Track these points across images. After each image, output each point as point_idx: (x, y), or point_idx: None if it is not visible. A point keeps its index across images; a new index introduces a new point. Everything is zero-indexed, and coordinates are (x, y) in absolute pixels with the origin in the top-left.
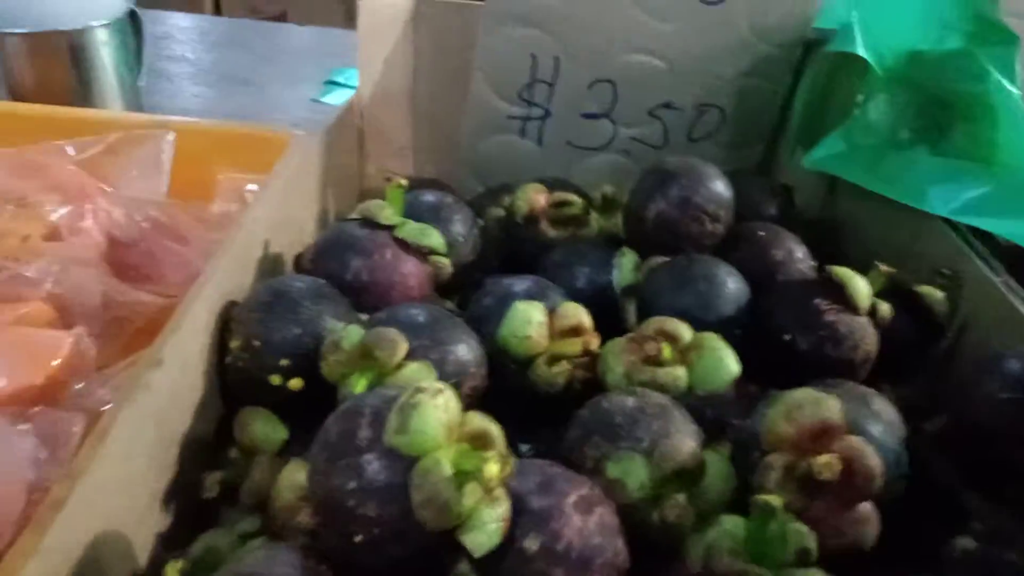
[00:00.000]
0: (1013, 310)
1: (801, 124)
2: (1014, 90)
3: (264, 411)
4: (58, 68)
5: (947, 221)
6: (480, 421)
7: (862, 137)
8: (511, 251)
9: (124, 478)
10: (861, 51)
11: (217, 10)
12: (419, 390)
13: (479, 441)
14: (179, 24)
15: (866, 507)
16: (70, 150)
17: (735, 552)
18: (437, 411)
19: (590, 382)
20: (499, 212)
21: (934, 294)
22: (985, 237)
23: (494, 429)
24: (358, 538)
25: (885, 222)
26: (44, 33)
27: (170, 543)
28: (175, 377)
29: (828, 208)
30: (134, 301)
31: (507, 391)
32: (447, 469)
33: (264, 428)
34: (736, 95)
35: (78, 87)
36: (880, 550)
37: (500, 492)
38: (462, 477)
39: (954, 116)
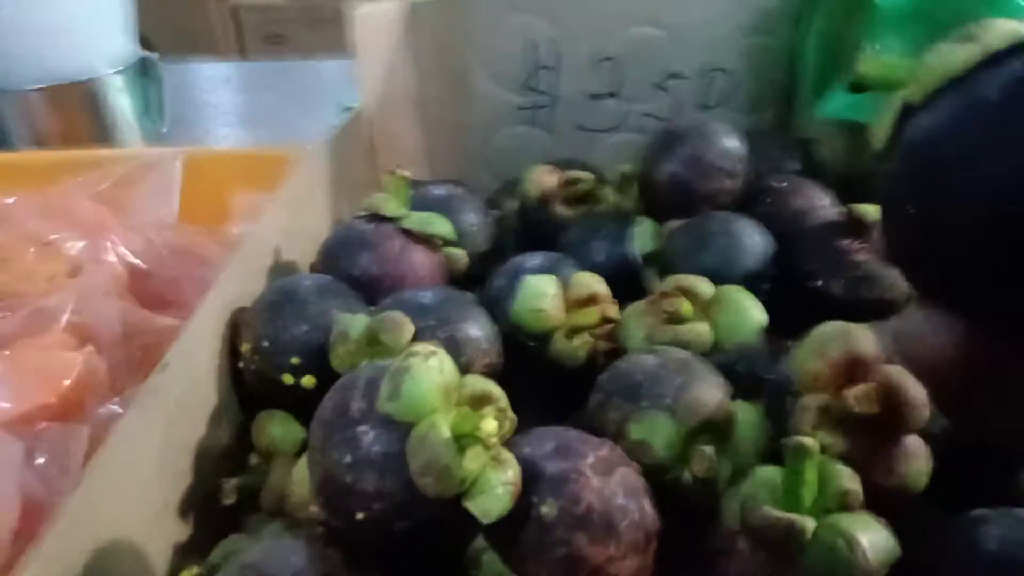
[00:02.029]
0: None
1: (813, 77)
2: None
3: (280, 413)
4: (78, 118)
5: None
6: (481, 383)
7: None
8: (528, 237)
9: (133, 485)
10: None
11: (242, 51)
12: (411, 354)
13: (481, 404)
14: (203, 72)
15: (913, 441)
16: (85, 186)
17: (773, 502)
18: (431, 372)
19: (613, 353)
20: (515, 204)
21: None
22: None
23: (496, 390)
24: (360, 515)
25: None
26: (60, 87)
27: (190, 553)
28: (183, 383)
29: (855, 163)
30: (159, 327)
31: (528, 371)
32: (444, 431)
33: (281, 429)
34: (742, 56)
35: (99, 136)
36: (935, 490)
37: (507, 455)
38: (463, 440)
39: None
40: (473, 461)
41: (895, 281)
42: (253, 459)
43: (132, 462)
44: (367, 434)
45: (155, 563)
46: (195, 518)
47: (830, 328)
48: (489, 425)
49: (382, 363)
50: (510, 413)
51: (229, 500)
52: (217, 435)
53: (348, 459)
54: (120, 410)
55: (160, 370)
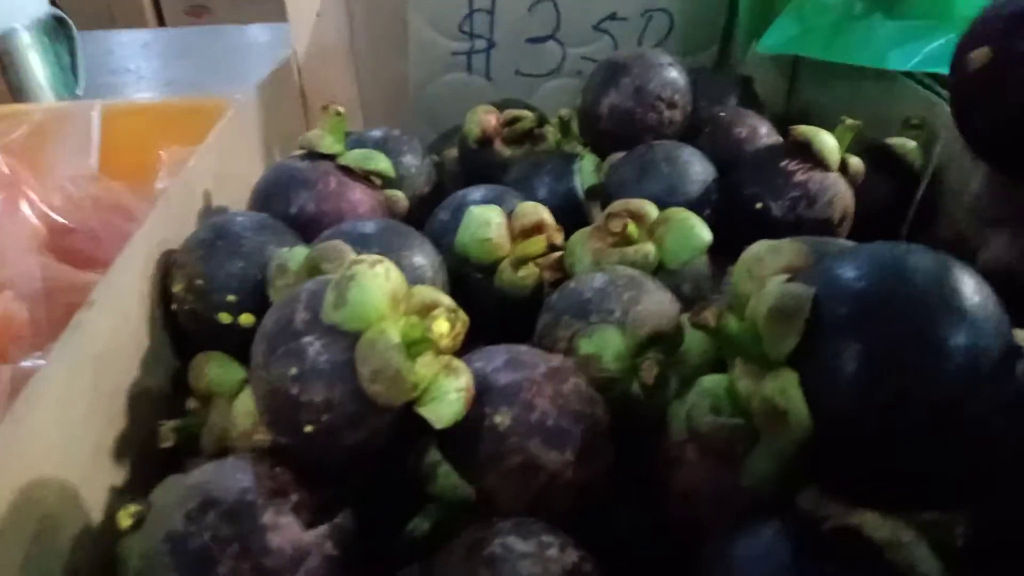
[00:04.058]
0: None
1: (750, 17)
2: None
3: (218, 354)
4: None
5: (912, 78)
6: (429, 291)
7: (815, 17)
8: (469, 180)
9: (62, 425)
10: None
11: (160, 22)
12: (356, 262)
13: (430, 313)
14: (120, 39)
15: None
16: None
17: (717, 409)
18: (377, 279)
19: (560, 284)
20: (454, 153)
21: (906, 144)
22: None
23: (445, 298)
24: (308, 428)
25: (850, 98)
26: None
27: (129, 495)
28: (111, 322)
29: (792, 103)
30: (82, 284)
31: (475, 303)
32: (394, 337)
33: (219, 371)
34: None
35: (7, 98)
36: None
37: (459, 363)
38: (414, 347)
39: None
40: (425, 368)
41: (833, 200)
42: (192, 403)
43: (60, 401)
44: (312, 344)
45: (90, 504)
46: (132, 462)
47: (758, 246)
48: (441, 326)
49: (324, 277)
50: (462, 315)
51: (167, 443)
52: (151, 379)
53: (294, 371)
54: (45, 363)
55: (86, 308)
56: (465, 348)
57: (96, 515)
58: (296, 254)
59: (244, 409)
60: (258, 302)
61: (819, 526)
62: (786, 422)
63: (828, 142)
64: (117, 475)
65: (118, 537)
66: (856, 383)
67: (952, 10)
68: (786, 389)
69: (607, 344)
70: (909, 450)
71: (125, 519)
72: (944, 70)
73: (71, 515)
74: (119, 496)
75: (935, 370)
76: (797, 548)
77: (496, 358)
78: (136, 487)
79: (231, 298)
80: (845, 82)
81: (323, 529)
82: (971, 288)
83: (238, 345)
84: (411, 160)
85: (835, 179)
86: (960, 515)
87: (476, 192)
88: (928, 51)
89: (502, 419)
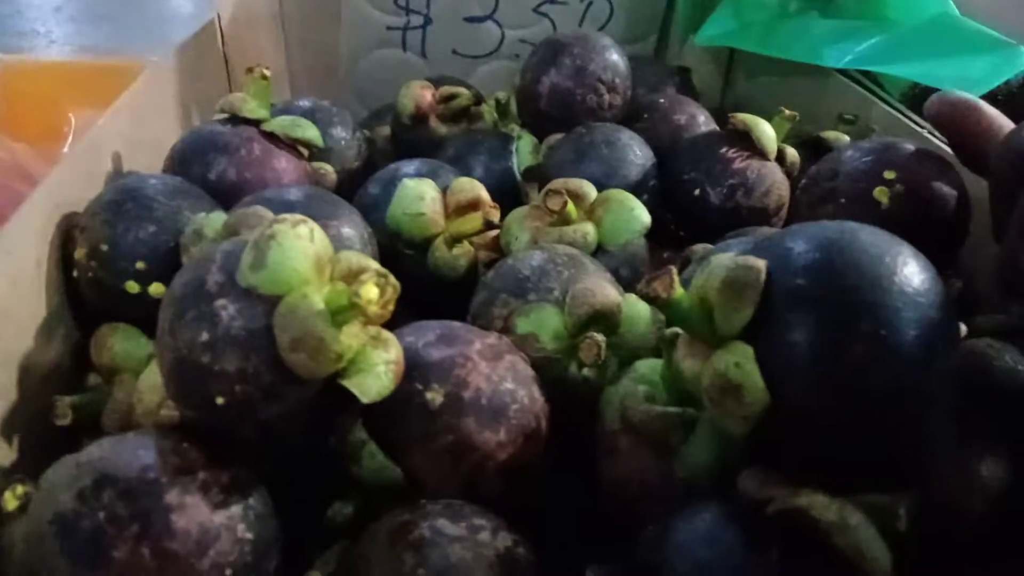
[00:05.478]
0: (926, 141)
1: (688, 9)
2: None
3: (124, 326)
4: None
5: (845, 75)
6: (357, 256)
7: (752, 13)
8: (402, 157)
9: None
10: None
11: None
12: (277, 221)
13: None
14: (30, 1)
15: None
16: None
17: (652, 397)
18: (300, 241)
19: (496, 264)
20: (386, 131)
21: (840, 138)
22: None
23: (375, 264)
24: (219, 400)
25: (784, 94)
26: None
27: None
28: (2, 286)
29: (727, 96)
30: None
31: (406, 283)
32: (318, 302)
33: (125, 344)
34: None
35: None
36: None
37: (388, 335)
38: (339, 316)
39: None
40: (351, 338)
41: (771, 189)
42: (93, 379)
43: None
44: (226, 308)
45: None
46: (23, 439)
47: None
48: (369, 291)
49: (242, 237)
50: (392, 280)
51: (63, 421)
52: (47, 351)
53: (205, 337)
54: None
55: None
56: (394, 328)
57: None
58: (213, 220)
59: (150, 383)
60: (170, 272)
61: (762, 509)
62: (740, 397)
63: (767, 131)
64: (4, 454)
65: (3, 522)
66: (813, 353)
67: (883, 12)
68: (741, 363)
69: (545, 323)
70: (866, 420)
71: (11, 501)
72: (876, 68)
73: None
74: (5, 476)
75: (892, 338)
76: (740, 531)
77: (428, 333)
78: (26, 468)
79: (140, 265)
80: (779, 77)
81: (234, 510)
82: (920, 261)
83: (146, 317)
84: (341, 132)
85: (772, 168)
86: (904, 497)
87: (409, 166)
88: (861, 50)
89: (433, 396)
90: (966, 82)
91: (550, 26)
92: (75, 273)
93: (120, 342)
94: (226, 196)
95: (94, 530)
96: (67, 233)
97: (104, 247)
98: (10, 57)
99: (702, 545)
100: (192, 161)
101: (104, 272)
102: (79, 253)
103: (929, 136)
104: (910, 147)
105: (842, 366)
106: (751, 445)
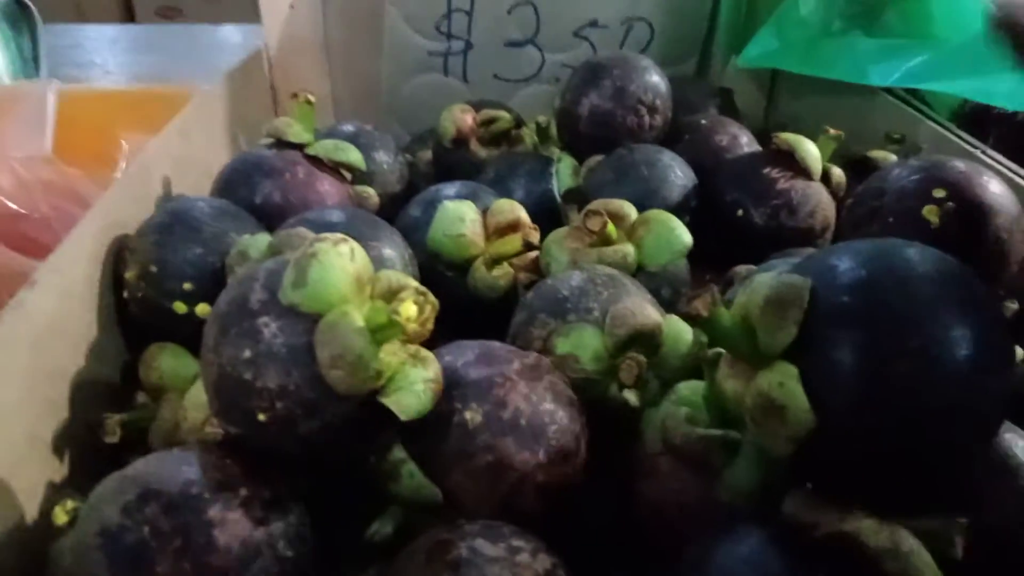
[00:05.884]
0: (978, 160)
1: (730, 30)
2: None
3: (172, 345)
4: None
5: (891, 94)
6: (397, 276)
7: (795, 32)
8: (443, 180)
9: None
10: None
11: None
12: (318, 239)
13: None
14: (87, 34)
15: None
16: None
17: (694, 419)
18: (341, 260)
19: (535, 285)
20: (428, 155)
21: (888, 157)
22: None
23: (414, 282)
24: (262, 416)
25: (829, 113)
26: None
27: (67, 492)
28: (54, 302)
29: (771, 117)
30: (30, 272)
31: (446, 304)
32: (357, 319)
33: (172, 363)
34: (661, 5)
35: None
36: None
37: (427, 354)
38: (379, 334)
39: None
40: (391, 355)
41: (815, 209)
42: (141, 397)
43: None
44: (268, 326)
45: (22, 499)
46: (72, 455)
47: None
48: (408, 308)
49: (284, 256)
50: (431, 298)
51: (112, 438)
52: (97, 368)
53: (247, 354)
54: None
55: (28, 287)
56: (433, 348)
57: (29, 511)
58: (258, 241)
59: (195, 402)
60: (216, 292)
61: (809, 532)
62: (784, 417)
63: (811, 150)
64: (54, 469)
65: (52, 537)
66: (859, 371)
67: (930, 30)
68: (785, 383)
69: (585, 343)
70: (915, 441)
71: (61, 516)
72: (924, 86)
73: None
74: (56, 492)
75: (941, 357)
76: (785, 555)
77: (467, 352)
78: (76, 484)
79: (187, 286)
80: (824, 97)
81: (275, 527)
82: (970, 278)
83: (193, 336)
84: (383, 156)
85: (817, 188)
86: (959, 522)
87: (450, 188)
88: (908, 68)
89: (472, 416)
90: (1016, 97)
91: (590, 49)
92: (125, 293)
93: (167, 361)
94: (271, 218)
95: (138, 543)
96: (118, 254)
97: (153, 268)
98: (65, 86)
99: (746, 569)
100: (238, 184)
101: (153, 292)
102: (129, 274)
103: (981, 156)
104: (960, 164)
105: (889, 385)
106: (795, 466)
